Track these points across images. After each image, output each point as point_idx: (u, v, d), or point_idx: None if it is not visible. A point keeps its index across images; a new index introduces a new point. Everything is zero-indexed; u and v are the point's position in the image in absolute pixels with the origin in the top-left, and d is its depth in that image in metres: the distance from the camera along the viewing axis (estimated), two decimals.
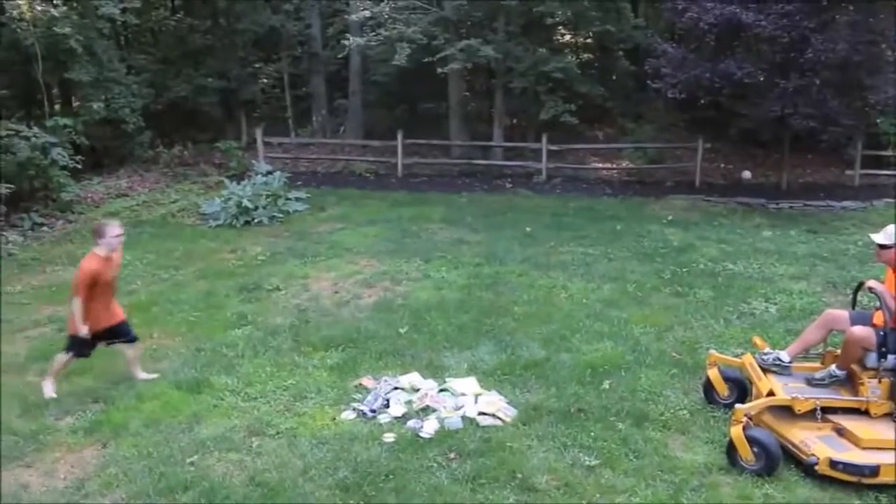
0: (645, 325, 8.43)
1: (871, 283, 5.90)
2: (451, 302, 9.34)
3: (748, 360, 6.38)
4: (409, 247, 11.94)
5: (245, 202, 13.83)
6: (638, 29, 19.46)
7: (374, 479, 5.50)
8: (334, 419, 6.47)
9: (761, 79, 14.92)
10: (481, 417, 6.41)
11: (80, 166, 14.87)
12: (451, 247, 11.90)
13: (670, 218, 13.80)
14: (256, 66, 21.29)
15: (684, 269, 10.54)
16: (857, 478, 5.26)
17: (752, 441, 5.46)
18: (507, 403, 6.62)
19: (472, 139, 19.50)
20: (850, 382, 5.93)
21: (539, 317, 8.78)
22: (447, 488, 5.37)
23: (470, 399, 6.69)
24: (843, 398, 5.80)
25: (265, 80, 21.58)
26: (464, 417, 6.40)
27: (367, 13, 17.09)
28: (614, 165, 18.87)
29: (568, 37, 22.24)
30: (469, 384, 6.95)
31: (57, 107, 18.21)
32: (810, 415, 5.66)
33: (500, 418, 6.40)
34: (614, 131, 20.38)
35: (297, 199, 14.88)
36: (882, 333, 5.68)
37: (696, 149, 17.11)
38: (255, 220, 13.69)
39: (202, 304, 9.50)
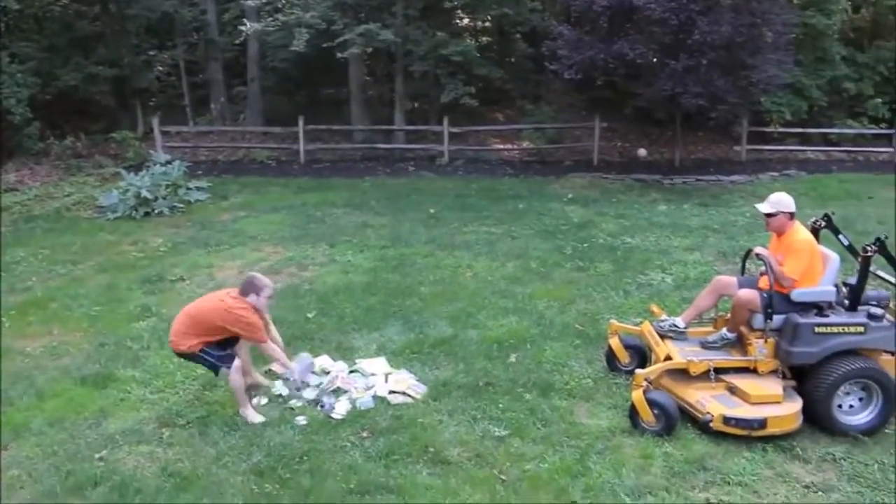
0: (548, 299, 8.70)
1: (759, 249, 6.25)
2: (358, 285, 9.40)
3: (646, 327, 6.70)
4: (313, 232, 11.92)
5: (144, 193, 13.48)
6: (535, 12, 19.80)
7: (289, 462, 5.54)
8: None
9: (653, 60, 15.47)
10: (392, 396, 6.51)
11: None
12: (357, 231, 11.94)
13: (570, 196, 14.20)
14: (150, 53, 20.63)
15: (585, 245, 10.90)
16: (747, 431, 5.63)
17: (651, 403, 5.77)
18: (417, 381, 6.74)
19: (374, 123, 19.50)
20: (739, 343, 6.30)
21: (445, 296, 8.94)
22: (361, 466, 5.46)
23: (380, 378, 6.79)
24: (733, 358, 6.15)
25: (160, 68, 20.95)
26: (375, 397, 6.49)
27: None
28: (515, 146, 19.21)
29: (466, 20, 22.40)
30: (379, 364, 7.05)
31: None
32: (705, 376, 6.00)
33: (410, 396, 6.51)
34: (514, 113, 20.72)
35: (198, 189, 14.59)
36: (767, 296, 6.04)
37: (594, 128, 17.61)
38: (156, 211, 13.36)
39: (103, 298, 9.27)
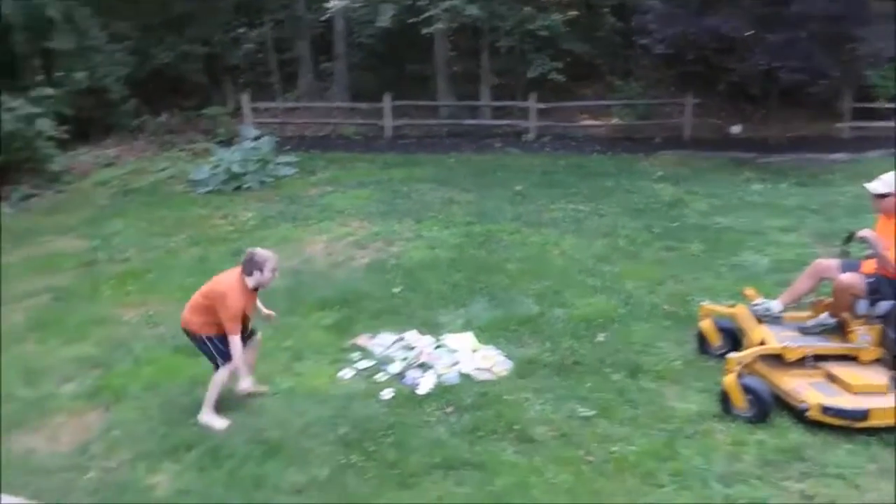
0: (637, 279, 8.51)
1: (863, 231, 5.93)
2: (444, 261, 9.39)
3: (740, 310, 6.46)
4: (400, 207, 11.96)
5: (234, 168, 13.78)
6: None
7: (374, 435, 5.58)
8: (332, 378, 6.54)
9: (748, 33, 14.88)
10: (477, 372, 6.49)
11: (66, 137, 14.77)
12: (443, 207, 11.92)
13: (660, 173, 13.84)
14: (240, 31, 21.04)
15: (675, 224, 10.61)
16: (847, 422, 5.35)
17: (745, 389, 5.55)
18: (504, 357, 6.70)
19: (460, 99, 19.42)
20: (839, 330, 6.02)
21: (532, 273, 8.84)
22: (446, 441, 5.46)
23: (466, 355, 6.77)
24: (833, 345, 5.87)
25: (249, 45, 21.34)
26: (460, 373, 6.48)
27: None
28: (603, 122, 18.85)
29: None
30: (465, 340, 7.03)
31: (40, 78, 17.96)
32: (802, 362, 5.75)
33: (496, 373, 6.48)
34: (602, 89, 20.29)
35: (287, 164, 14.83)
36: (873, 280, 5.75)
37: (685, 104, 17.11)
38: (245, 186, 13.65)
39: (196, 269, 9.50)
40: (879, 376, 5.57)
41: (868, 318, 5.78)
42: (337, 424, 5.77)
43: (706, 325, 6.59)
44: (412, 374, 6.50)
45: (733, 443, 5.32)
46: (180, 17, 19.88)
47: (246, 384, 5.83)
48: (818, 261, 6.50)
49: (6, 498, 4.81)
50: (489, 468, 5.13)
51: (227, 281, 5.88)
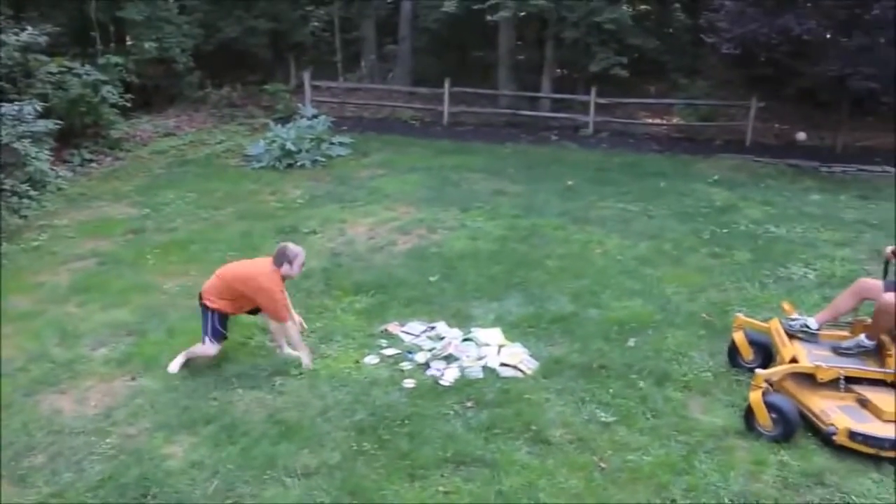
0: (678, 284, 8.31)
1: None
2: (485, 252, 9.32)
3: (775, 325, 6.25)
4: (448, 195, 11.90)
5: (289, 145, 13.90)
6: None
7: (390, 423, 5.57)
8: (357, 363, 6.55)
9: (826, 36, 14.35)
10: (502, 368, 6.43)
11: (129, 105, 15.07)
12: (490, 197, 11.83)
13: (716, 177, 13.49)
14: (308, 8, 21.15)
15: (724, 230, 10.33)
16: (876, 450, 5.14)
17: (770, 407, 5.37)
18: (530, 356, 6.62)
19: (521, 89, 19.23)
20: (877, 353, 5.78)
21: (571, 271, 8.71)
22: (461, 436, 5.42)
23: (493, 350, 6.71)
24: (868, 369, 5.61)
25: (316, 24, 21.45)
26: (485, 367, 6.42)
27: None
28: (664, 121, 18.49)
29: None
30: (493, 335, 6.97)
31: (114, 45, 18.37)
32: (833, 384, 5.53)
33: (521, 370, 6.41)
34: (666, 86, 19.87)
35: (341, 144, 14.91)
36: None
37: (750, 107, 16.64)
38: (298, 164, 13.76)
39: (239, 244, 9.64)
40: None
41: None
42: (355, 410, 5.78)
43: (739, 337, 6.40)
44: (437, 366, 6.48)
45: (754, 461, 5.16)
46: None
47: (306, 360, 6.46)
48: (862, 279, 6.27)
49: None
50: (500, 467, 5.07)
51: (266, 274, 6.22)
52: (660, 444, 5.34)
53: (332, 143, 14.75)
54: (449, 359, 6.59)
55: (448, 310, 7.62)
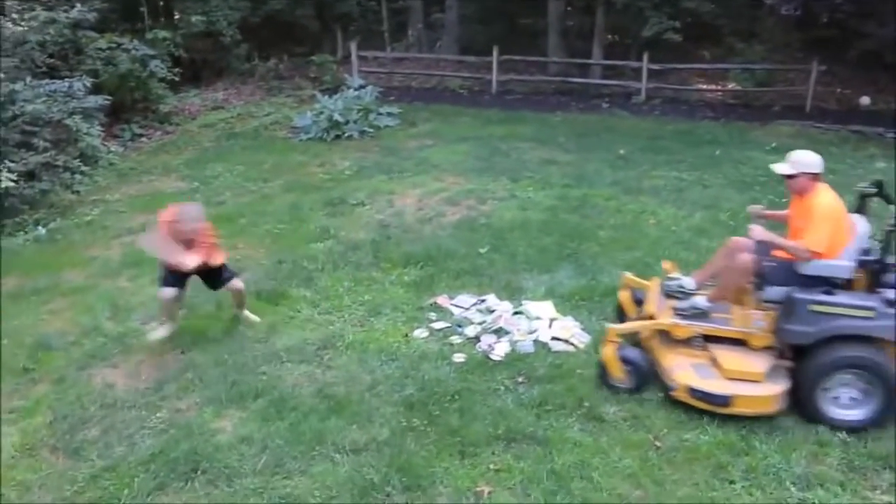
0: None
1: (755, 232, 5.44)
2: (535, 223, 9.14)
3: (654, 284, 6.20)
4: (497, 165, 11.72)
5: (336, 116, 13.82)
6: None
7: (440, 399, 5.47)
8: (406, 336, 6.46)
9: None
10: (554, 343, 6.28)
11: (177, 79, 15.18)
12: (541, 167, 11.61)
13: (774, 145, 13.02)
14: None
15: (783, 200, 9.83)
16: (711, 406, 5.16)
17: (624, 360, 5.51)
18: (582, 329, 6.46)
19: (571, 56, 18.86)
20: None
21: (624, 242, 8.49)
22: (512, 412, 5.30)
23: (544, 323, 6.56)
24: (724, 328, 5.54)
25: None
26: (536, 342, 6.28)
27: None
28: (719, 87, 17.96)
29: None
30: (545, 308, 6.81)
31: (162, 20, 18.47)
32: (692, 342, 5.55)
33: (573, 344, 6.26)
34: (722, 51, 19.28)
35: (389, 115, 14.80)
36: (773, 265, 5.47)
37: (810, 71, 16.04)
38: (346, 135, 13.68)
39: (287, 216, 9.61)
40: (759, 363, 5.28)
41: (758, 302, 5.49)
42: (405, 385, 5.69)
43: (624, 295, 6.45)
44: (487, 339, 6.35)
45: (816, 443, 4.94)
46: None
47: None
48: (734, 238, 6.06)
49: None
50: (552, 444, 4.94)
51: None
52: (717, 423, 5.13)
53: (380, 114, 14.64)
54: (499, 332, 6.45)
55: (498, 282, 7.47)
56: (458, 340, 6.39)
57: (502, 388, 5.64)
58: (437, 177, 11.18)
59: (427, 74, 19.02)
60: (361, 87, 15.52)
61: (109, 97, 11.96)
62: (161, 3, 17.94)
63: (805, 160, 5.43)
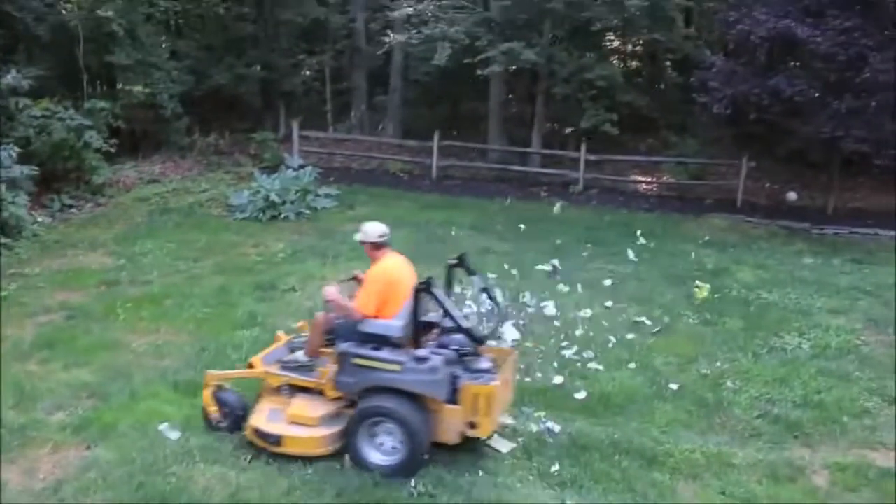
0: (667, 354, 8.00)
1: (327, 291, 6.00)
2: None
3: (284, 339, 6.77)
4: (432, 252, 11.58)
5: (273, 196, 13.64)
6: (688, 39, 18.85)
7: None
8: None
9: (816, 95, 14.26)
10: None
11: (114, 150, 14.87)
12: (477, 256, 11.48)
13: (707, 238, 13.23)
14: (300, 57, 21.11)
15: (716, 295, 10.02)
16: (267, 445, 5.74)
17: (219, 402, 6.18)
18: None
19: (511, 144, 19.08)
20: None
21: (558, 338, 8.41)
22: None
23: None
24: (304, 378, 6.03)
25: (307, 73, 21.41)
26: None
27: (410, 10, 16.74)
28: (654, 179, 18.32)
29: (617, 43, 21.68)
30: None
31: (102, 89, 18.22)
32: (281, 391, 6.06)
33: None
34: (658, 143, 19.78)
35: (327, 196, 14.67)
36: (341, 322, 5.95)
37: (741, 166, 16.51)
38: (282, 216, 13.49)
39: (215, 300, 9.34)
40: (318, 409, 5.81)
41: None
42: (323, 490, 5.44)
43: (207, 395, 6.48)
44: None
45: None
46: (242, 39, 20.12)
47: None
48: (317, 315, 6.34)
49: None
50: None
51: None
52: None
53: (318, 195, 14.51)
54: None
55: None
56: None
57: None
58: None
59: (368, 156, 19.01)
60: (301, 166, 15.42)
61: (38, 167, 11.61)
62: (103, 72, 17.68)
63: (367, 230, 6.11)
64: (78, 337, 8.23)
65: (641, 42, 20.42)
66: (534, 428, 6.35)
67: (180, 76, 17.96)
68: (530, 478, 5.66)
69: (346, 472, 5.66)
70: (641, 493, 5.48)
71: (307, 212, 13.81)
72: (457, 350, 5.80)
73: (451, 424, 5.61)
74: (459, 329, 5.88)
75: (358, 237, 6.21)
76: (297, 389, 6.03)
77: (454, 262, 6.38)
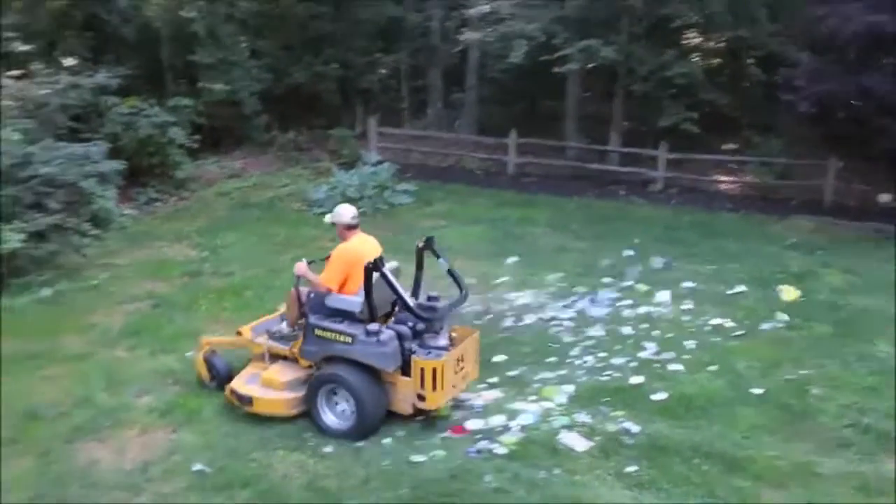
0: (750, 358, 7.77)
1: (297, 267, 6.59)
2: None
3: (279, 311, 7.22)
4: (508, 250, 11.57)
5: (350, 191, 13.80)
6: (774, 36, 18.27)
7: (435, 500, 5.21)
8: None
9: None
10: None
11: (196, 146, 15.25)
12: (552, 254, 11.45)
13: (793, 240, 12.77)
14: (376, 55, 21.29)
15: (802, 299, 9.70)
16: (241, 405, 6.30)
17: (207, 364, 6.87)
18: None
19: (588, 142, 18.85)
20: None
21: (637, 338, 8.26)
22: None
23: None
24: (281, 346, 6.62)
25: (383, 71, 21.57)
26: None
27: (487, 7, 16.70)
28: (737, 179, 17.84)
29: (697, 40, 21.18)
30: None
31: (185, 87, 18.69)
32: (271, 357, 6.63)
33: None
34: (740, 143, 19.25)
35: (404, 192, 14.76)
36: (312, 297, 6.47)
37: (829, 166, 15.94)
38: (360, 210, 13.57)
39: None
40: (286, 375, 6.36)
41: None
42: (399, 483, 5.44)
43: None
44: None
45: None
46: (320, 38, 20.38)
47: None
48: (292, 291, 6.82)
49: None
50: None
51: None
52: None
53: (396, 191, 14.62)
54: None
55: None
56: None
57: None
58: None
59: (445, 153, 19.06)
60: (379, 162, 15.56)
61: (126, 161, 12.00)
62: (185, 71, 18.15)
63: (340, 212, 6.75)
64: (163, 325, 8.48)
65: (724, 39, 19.87)
66: (611, 427, 6.25)
67: (260, 74, 18.29)
68: (607, 477, 5.57)
69: (422, 465, 5.67)
70: (722, 499, 5.33)
71: (384, 207, 13.93)
72: (411, 327, 6.23)
73: (404, 395, 6.12)
74: (405, 307, 6.29)
75: (328, 219, 6.83)
76: (276, 357, 6.62)
77: (422, 245, 6.89)
